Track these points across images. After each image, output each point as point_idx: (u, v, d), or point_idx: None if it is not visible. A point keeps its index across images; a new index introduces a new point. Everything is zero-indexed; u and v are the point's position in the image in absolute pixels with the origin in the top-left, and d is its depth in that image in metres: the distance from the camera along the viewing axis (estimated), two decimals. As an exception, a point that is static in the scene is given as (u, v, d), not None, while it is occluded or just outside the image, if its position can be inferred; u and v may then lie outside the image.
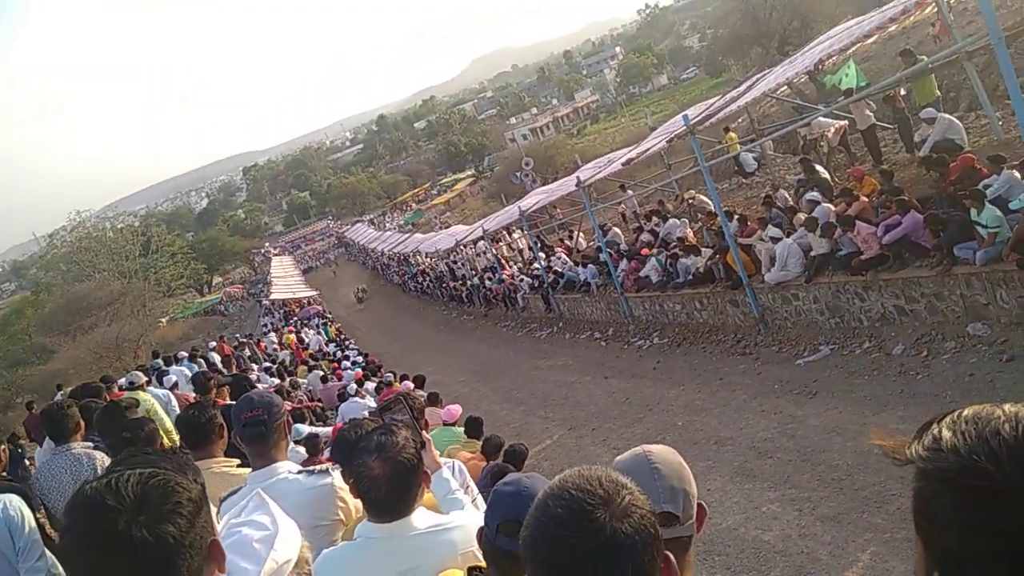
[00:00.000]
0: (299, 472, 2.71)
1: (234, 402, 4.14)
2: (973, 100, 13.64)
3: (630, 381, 12.29)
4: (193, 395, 9.41)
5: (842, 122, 13.96)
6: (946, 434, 0.78)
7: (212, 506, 2.31)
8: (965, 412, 0.79)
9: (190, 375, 11.12)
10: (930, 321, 8.66)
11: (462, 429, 7.74)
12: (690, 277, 13.22)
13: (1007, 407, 0.78)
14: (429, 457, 2.47)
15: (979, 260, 7.89)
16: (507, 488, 1.73)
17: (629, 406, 10.95)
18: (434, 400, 9.30)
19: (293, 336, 27.09)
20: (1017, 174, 8.16)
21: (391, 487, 2.06)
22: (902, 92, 13.04)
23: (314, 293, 43.28)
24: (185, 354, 15.12)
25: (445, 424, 7.71)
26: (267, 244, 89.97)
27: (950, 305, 8.41)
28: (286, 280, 47.76)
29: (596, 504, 1.03)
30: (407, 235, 42.81)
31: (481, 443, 6.51)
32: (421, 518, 2.12)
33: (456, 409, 7.77)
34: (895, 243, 8.90)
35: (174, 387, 10.50)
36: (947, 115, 11.44)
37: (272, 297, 40.28)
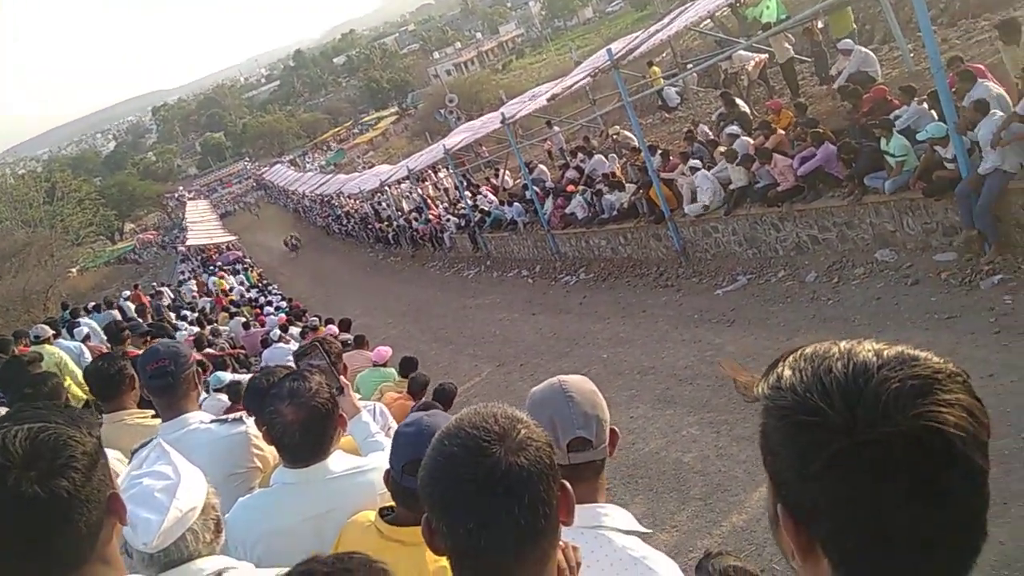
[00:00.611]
0: (212, 422, 2.65)
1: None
2: (887, 33, 13.94)
3: (557, 317, 12.46)
4: (106, 346, 9.07)
5: (762, 56, 14.12)
6: (787, 373, 0.79)
7: (124, 457, 2.23)
8: (806, 350, 0.81)
9: (101, 327, 10.70)
10: (841, 249, 9.01)
11: (394, 370, 7.72)
12: (615, 213, 13.34)
13: (843, 344, 0.79)
14: (347, 402, 2.46)
15: (887, 189, 8.20)
16: (409, 429, 1.74)
17: (556, 341, 11.12)
18: (360, 342, 9.21)
19: (224, 281, 26.36)
20: (926, 106, 8.44)
21: (304, 432, 2.03)
22: (819, 25, 13.23)
23: (233, 238, 41.95)
24: (97, 304, 14.49)
25: (376, 365, 7.67)
26: (181, 188, 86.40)
27: (860, 233, 8.76)
28: (203, 225, 46.07)
29: (491, 440, 1.03)
30: (329, 176, 41.68)
31: (407, 383, 6.49)
32: (338, 462, 2.11)
33: (386, 350, 7.72)
34: (810, 174, 9.16)
35: (86, 339, 10.09)
36: (863, 48, 11.69)
37: (188, 243, 38.86)
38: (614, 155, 15.63)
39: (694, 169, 11.02)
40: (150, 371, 2.59)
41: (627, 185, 13.36)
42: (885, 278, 8.14)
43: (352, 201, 34.05)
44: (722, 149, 10.98)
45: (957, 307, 6.93)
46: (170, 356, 2.61)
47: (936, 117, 7.89)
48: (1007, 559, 3.85)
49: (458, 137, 19.75)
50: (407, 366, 6.97)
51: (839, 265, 8.86)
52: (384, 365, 7.56)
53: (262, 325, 15.91)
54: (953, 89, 7.68)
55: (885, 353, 0.76)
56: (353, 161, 60.61)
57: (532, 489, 1.01)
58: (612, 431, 1.64)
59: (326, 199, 38.66)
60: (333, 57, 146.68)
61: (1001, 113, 6.95)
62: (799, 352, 0.81)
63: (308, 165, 66.53)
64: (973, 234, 7.32)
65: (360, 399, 7.35)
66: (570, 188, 15.31)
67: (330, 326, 11.81)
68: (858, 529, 0.73)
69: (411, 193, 26.63)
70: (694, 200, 11.06)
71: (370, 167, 40.54)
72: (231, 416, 2.70)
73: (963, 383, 0.74)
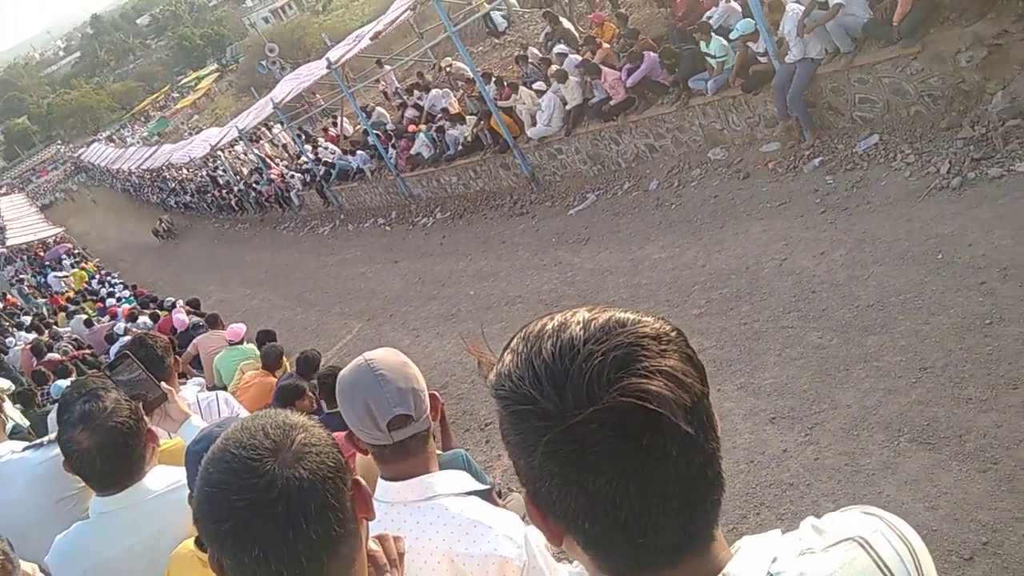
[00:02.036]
0: (24, 449, 2.40)
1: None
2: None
3: (420, 261, 12.32)
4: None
5: (578, -31, 14.12)
6: (507, 358, 0.77)
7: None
8: (529, 328, 0.78)
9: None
10: (677, 154, 9.36)
11: (253, 345, 7.39)
12: (460, 147, 13.19)
13: (557, 319, 0.76)
14: (175, 408, 2.29)
15: (711, 89, 8.52)
16: (198, 446, 1.60)
17: (423, 285, 11.02)
18: (214, 322, 8.74)
19: (84, 272, 24.36)
20: (735, 4, 8.75)
21: (105, 458, 1.85)
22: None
23: (60, 230, 38.33)
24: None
25: (231, 344, 7.30)
26: (-12, 184, 77.52)
27: (691, 136, 9.11)
28: (23, 221, 41.66)
29: (262, 457, 0.94)
30: (154, 148, 38.53)
31: (261, 358, 6.21)
32: (157, 479, 1.95)
33: (239, 327, 7.35)
34: (638, 85, 9.36)
35: None
36: (670, -49, 11.90)
37: (9, 243, 35.13)
38: (447, 89, 15.35)
39: (540, 92, 10.97)
40: None
41: (468, 117, 13.19)
42: (720, 175, 8.54)
43: (185, 171, 31.83)
44: (554, 68, 10.99)
45: (786, 193, 7.39)
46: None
47: (745, 15, 8.20)
48: (853, 421, 4.22)
49: (285, 88, 18.66)
50: (265, 340, 6.67)
51: (677, 169, 9.21)
52: (241, 342, 7.21)
53: (113, 317, 14.80)
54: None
55: (593, 324, 0.73)
56: (178, 128, 56.43)
57: (318, 498, 0.95)
58: (432, 396, 1.62)
59: (156, 173, 35.88)
60: (135, 18, 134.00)
61: (799, 5, 7.31)
62: (523, 331, 0.78)
63: (129, 139, 61.31)
64: (791, 122, 7.78)
65: (221, 384, 6.98)
66: (412, 128, 14.95)
67: (175, 312, 11.10)
68: (586, 512, 0.72)
69: (247, 154, 25.17)
70: (534, 124, 11.09)
71: (198, 132, 37.83)
72: (45, 439, 2.47)
73: (672, 343, 0.73)
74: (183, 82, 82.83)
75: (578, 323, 0.74)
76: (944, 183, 6.05)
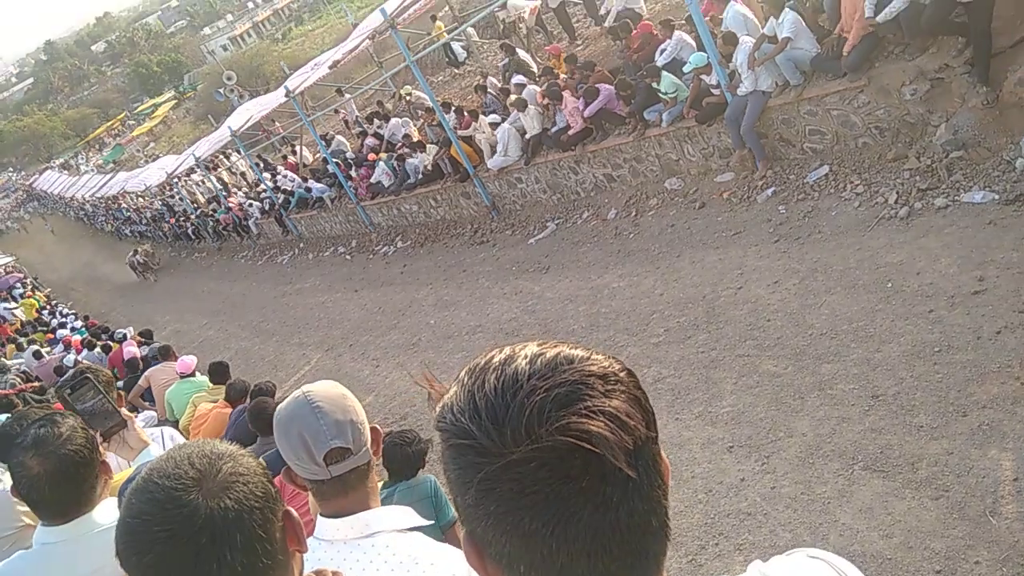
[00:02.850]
0: None
1: None
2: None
3: (380, 290, 12.23)
4: None
5: (535, 2, 14.34)
6: (452, 390, 0.75)
7: None
8: (476, 361, 0.75)
9: None
10: (634, 183, 9.47)
11: (206, 378, 7.21)
12: (420, 176, 13.19)
13: (506, 351, 0.74)
14: (133, 436, 2.24)
15: (665, 121, 8.67)
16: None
17: (383, 315, 10.93)
18: (166, 353, 8.50)
19: (35, 301, 23.66)
20: (687, 37, 8.94)
21: (55, 486, 1.79)
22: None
23: (9, 259, 37.25)
24: None
25: (182, 376, 7.12)
26: (-65, 213, 75.11)
27: (648, 166, 9.23)
28: (-30, 252, 40.43)
29: (187, 487, 0.92)
30: (109, 175, 37.81)
31: (225, 391, 6.08)
32: (106, 512, 1.87)
33: (190, 360, 7.17)
34: (595, 116, 9.48)
35: None
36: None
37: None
38: (407, 117, 15.40)
39: (494, 125, 11.06)
40: None
41: (428, 146, 13.21)
42: (676, 205, 8.66)
43: (141, 199, 31.26)
44: (512, 98, 11.09)
45: (740, 223, 7.52)
46: None
47: (697, 47, 8.39)
48: (808, 449, 4.26)
49: (243, 116, 18.50)
50: (217, 372, 6.52)
51: (635, 199, 9.32)
52: (192, 374, 7.04)
53: (66, 347, 14.37)
54: (707, 16, 8.21)
55: (540, 359, 0.70)
56: (134, 156, 55.47)
57: (244, 529, 0.92)
58: (373, 429, 1.58)
59: (111, 201, 35.16)
60: (91, 45, 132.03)
61: (751, 38, 7.51)
62: (471, 364, 0.75)
63: (83, 167, 60.09)
64: (744, 153, 7.94)
65: (173, 418, 6.80)
66: (372, 156, 14.92)
67: (125, 344, 10.81)
68: (521, 555, 0.69)
69: (205, 182, 24.83)
70: (494, 153, 11.15)
71: (154, 159, 37.26)
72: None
73: (621, 384, 0.70)
74: (139, 109, 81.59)
75: (525, 357, 0.71)
76: (892, 213, 6.21)
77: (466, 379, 0.73)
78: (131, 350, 10.10)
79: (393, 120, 15.52)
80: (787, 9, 7.20)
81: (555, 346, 0.72)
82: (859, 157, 7.11)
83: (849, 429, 4.24)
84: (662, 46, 9.03)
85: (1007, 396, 3.91)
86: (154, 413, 6.91)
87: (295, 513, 1.01)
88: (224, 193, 22.85)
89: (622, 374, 0.71)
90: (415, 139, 13.85)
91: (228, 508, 0.91)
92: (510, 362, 0.71)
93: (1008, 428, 3.73)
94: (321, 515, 1.55)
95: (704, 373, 5.50)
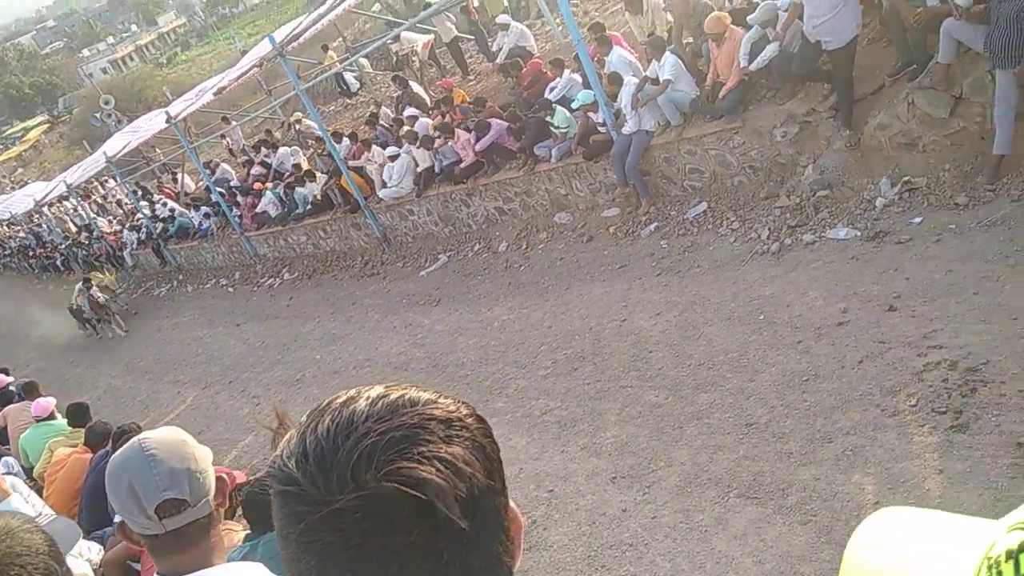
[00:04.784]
0: None
1: None
2: (539, 9, 14.98)
3: (264, 323, 11.76)
4: None
5: (429, 36, 14.41)
6: (291, 434, 0.68)
7: None
8: (322, 401, 0.69)
9: None
10: (525, 217, 9.57)
11: (64, 421, 6.64)
12: (309, 206, 12.87)
13: (351, 393, 0.68)
14: None
15: (555, 156, 8.83)
16: None
17: (266, 350, 10.49)
18: (31, 390, 7.77)
19: None
20: (577, 76, 9.18)
21: None
22: (475, 3, 13.80)
23: None
24: None
25: (38, 420, 6.54)
26: None
27: (539, 200, 9.36)
28: None
29: None
30: (-32, 201, 34.96)
31: (84, 434, 5.61)
32: None
33: (47, 402, 6.59)
34: (487, 149, 9.55)
35: None
36: (518, 23, 12.41)
37: None
38: (297, 146, 15.06)
39: (392, 157, 10.91)
40: None
41: (318, 175, 12.92)
42: (565, 239, 8.80)
43: (4, 228, 29.01)
44: (405, 130, 11.03)
45: (625, 256, 7.70)
46: None
47: (585, 86, 8.62)
48: (687, 477, 4.33)
49: (121, 142, 17.54)
50: (76, 414, 6.02)
51: (526, 232, 9.40)
52: (51, 417, 6.48)
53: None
54: (596, 59, 8.46)
55: (382, 401, 0.65)
56: (0, 182, 51.61)
57: None
58: (219, 479, 1.46)
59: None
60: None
61: (635, 79, 7.79)
62: (318, 404, 0.68)
63: (-61, 192, 55.29)
64: (629, 189, 8.17)
65: (29, 464, 6.23)
66: (258, 186, 14.45)
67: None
68: None
69: (77, 210, 23.30)
70: (385, 185, 11.02)
71: (22, 186, 34.76)
72: None
73: (466, 430, 0.65)
74: (7, 133, 76.28)
75: (367, 399, 0.65)
76: (765, 248, 6.52)
77: (304, 421, 0.66)
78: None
79: (282, 149, 15.13)
80: (668, 53, 7.52)
81: (402, 388, 0.67)
82: (735, 195, 7.46)
83: (725, 457, 4.35)
84: (552, 84, 9.23)
85: (868, 423, 4.11)
86: (11, 459, 6.30)
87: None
88: (97, 222, 21.51)
89: (469, 420, 0.66)
90: (304, 168, 13.52)
91: None
92: (350, 403, 0.65)
93: (870, 453, 3.92)
94: (158, 574, 1.41)
95: (590, 405, 5.54)
